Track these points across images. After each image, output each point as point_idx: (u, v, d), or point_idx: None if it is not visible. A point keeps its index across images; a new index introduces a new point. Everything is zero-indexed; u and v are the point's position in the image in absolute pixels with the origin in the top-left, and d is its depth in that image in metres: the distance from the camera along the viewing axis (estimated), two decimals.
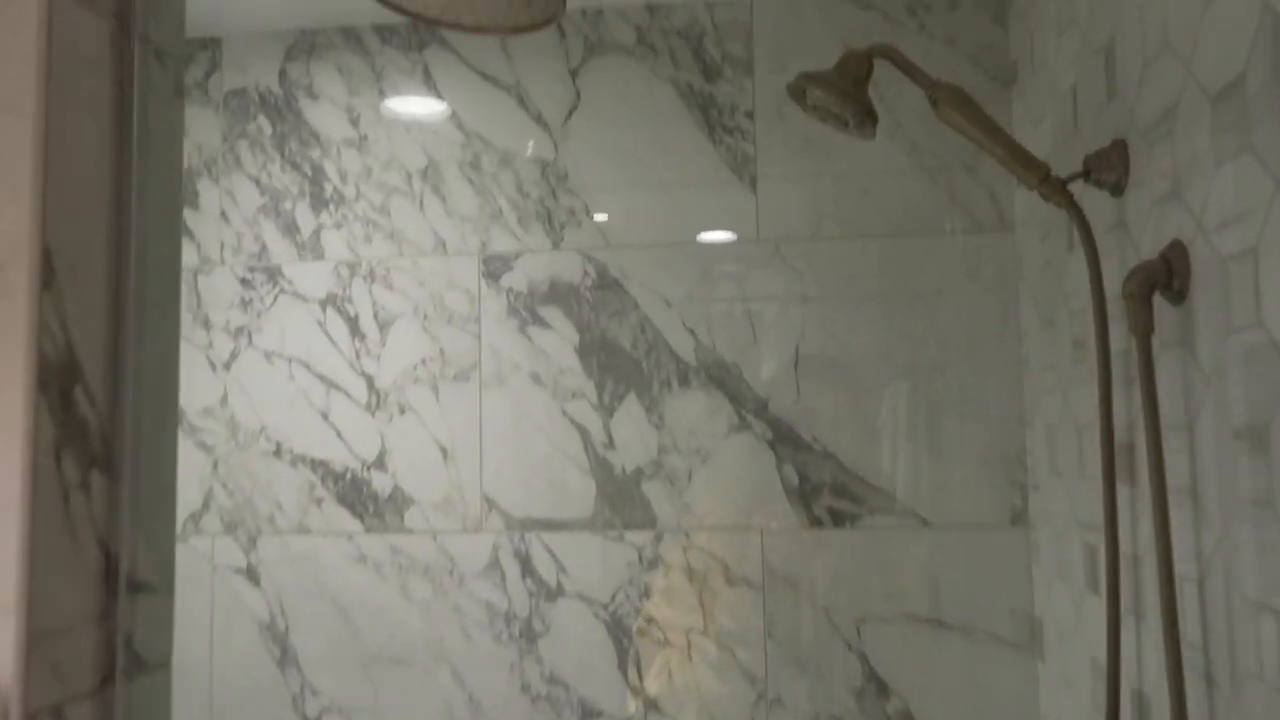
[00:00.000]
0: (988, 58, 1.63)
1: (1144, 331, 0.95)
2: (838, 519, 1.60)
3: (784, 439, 1.62)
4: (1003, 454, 1.57)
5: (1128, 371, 1.07)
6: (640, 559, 1.63)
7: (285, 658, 1.67)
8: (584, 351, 1.67)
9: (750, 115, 1.67)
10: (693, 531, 1.62)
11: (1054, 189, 1.14)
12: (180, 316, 0.80)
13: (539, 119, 1.71)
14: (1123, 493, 1.09)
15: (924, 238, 1.62)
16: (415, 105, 1.73)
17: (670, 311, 1.66)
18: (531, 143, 1.69)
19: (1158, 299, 0.95)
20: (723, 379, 1.64)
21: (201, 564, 1.70)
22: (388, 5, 1.35)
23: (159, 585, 0.75)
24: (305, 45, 1.77)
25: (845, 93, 1.16)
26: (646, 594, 1.61)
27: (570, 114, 1.71)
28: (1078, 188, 1.15)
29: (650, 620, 1.61)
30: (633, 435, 1.65)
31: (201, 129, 1.78)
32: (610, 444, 1.65)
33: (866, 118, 1.18)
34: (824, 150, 1.65)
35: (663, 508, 1.63)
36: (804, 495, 1.60)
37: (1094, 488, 1.21)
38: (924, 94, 1.18)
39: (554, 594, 1.63)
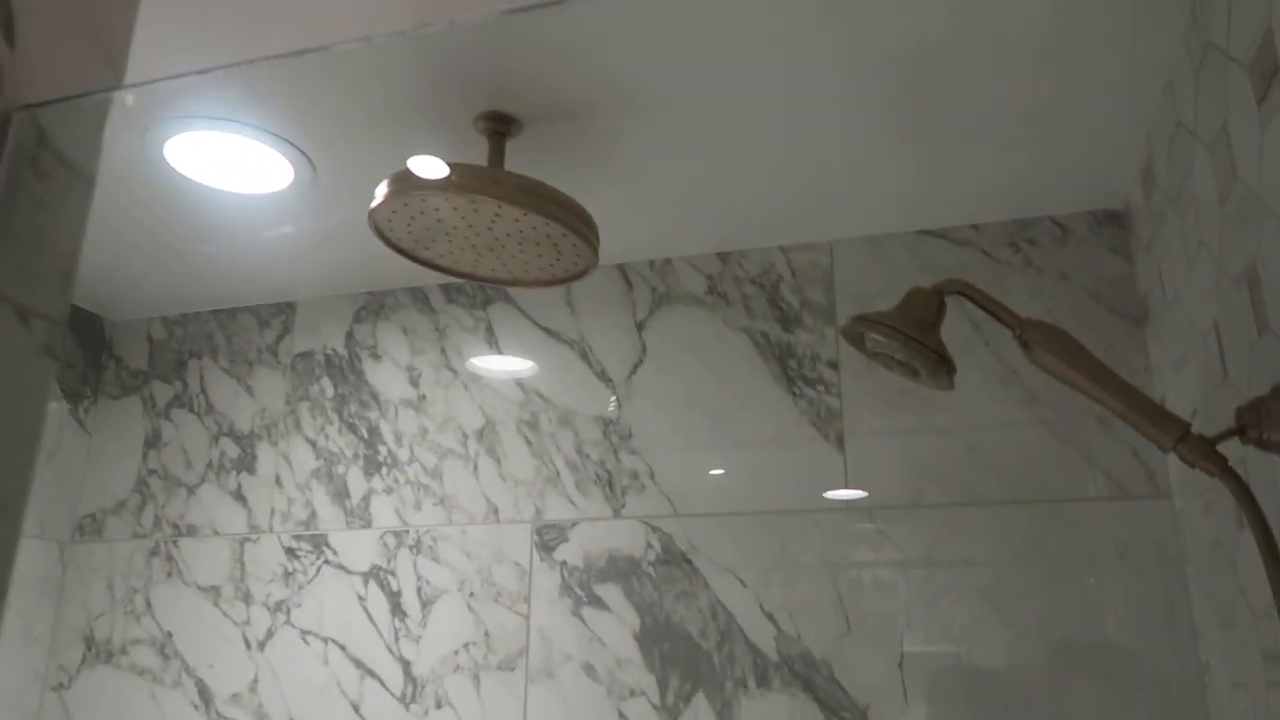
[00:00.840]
0: (1111, 293, 1.40)
1: None
2: None
3: None
4: None
5: None
6: None
7: None
8: (645, 639, 1.42)
9: (834, 365, 1.48)
10: None
11: (1198, 451, 0.87)
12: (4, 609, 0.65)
13: (602, 374, 1.58)
14: None
15: (1052, 505, 1.33)
16: (475, 363, 1.64)
17: (746, 593, 1.41)
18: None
19: None
20: (810, 678, 1.35)
21: None
22: (426, 264, 1.29)
23: None
24: (374, 306, 1.74)
25: (910, 338, 0.95)
26: None
27: (635, 368, 1.57)
28: (1233, 447, 0.88)
29: None
30: None
31: (268, 392, 1.74)
32: None
33: (939, 366, 0.96)
34: (921, 402, 1.42)
35: None
36: None
37: None
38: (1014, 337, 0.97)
39: None
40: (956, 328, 1.45)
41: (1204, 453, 0.87)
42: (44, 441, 1.72)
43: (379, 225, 1.16)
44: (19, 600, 1.65)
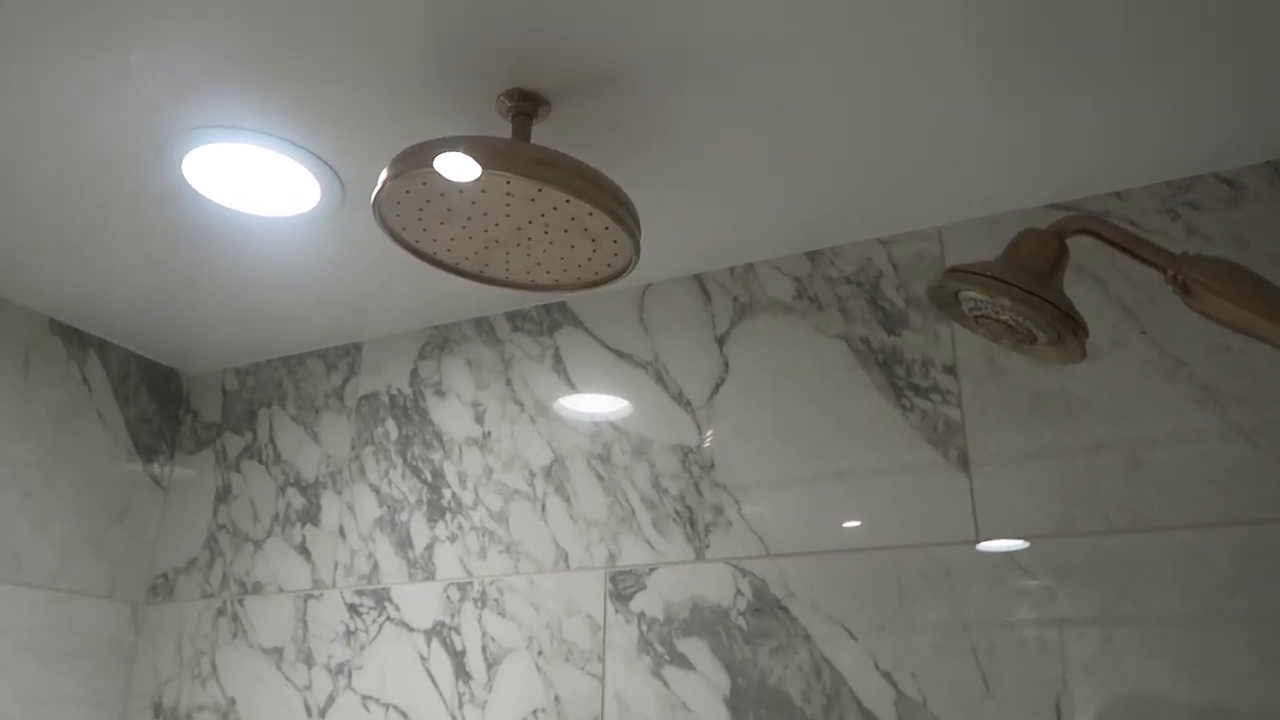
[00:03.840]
0: None
1: None
2: None
3: None
4: None
5: None
6: None
7: None
8: (737, 703, 1.19)
9: (951, 370, 1.23)
10: None
11: None
12: None
13: (679, 397, 1.38)
14: None
15: (1248, 528, 1.03)
16: (542, 392, 1.48)
17: (856, 647, 1.16)
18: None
19: None
20: None
21: None
22: (447, 268, 1.14)
23: None
24: (438, 341, 1.61)
25: (1023, 291, 0.72)
26: None
27: (717, 388, 1.36)
28: None
29: None
30: None
31: (333, 438, 1.63)
32: None
33: (1064, 326, 0.72)
34: (1064, 408, 1.16)
35: None
36: None
37: None
38: (1170, 287, 0.72)
39: None
40: (1101, 312, 1.18)
41: None
42: (118, 499, 1.67)
43: (385, 218, 1.02)
44: (88, 663, 1.57)
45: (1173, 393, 1.11)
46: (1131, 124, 1.10)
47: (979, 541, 1.14)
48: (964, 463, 1.18)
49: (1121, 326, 1.17)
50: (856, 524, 1.21)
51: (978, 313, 0.76)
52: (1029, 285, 0.71)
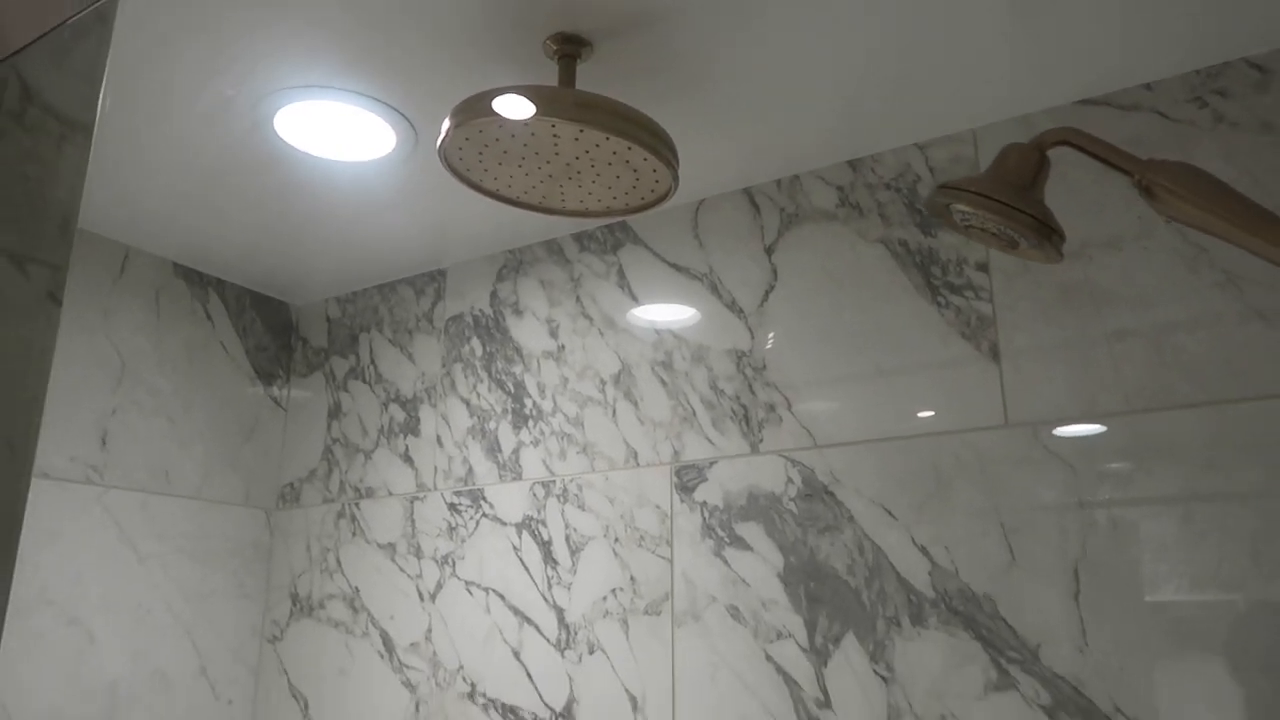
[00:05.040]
0: None
1: None
2: None
3: (1068, 705, 1.12)
4: None
5: None
6: None
7: None
8: (789, 579, 1.33)
9: (984, 268, 1.30)
10: None
11: None
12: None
13: (732, 305, 1.49)
14: None
15: (1259, 403, 1.10)
16: (609, 307, 1.61)
17: (896, 525, 1.28)
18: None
19: None
20: (972, 616, 1.20)
21: None
22: (510, 202, 1.27)
23: None
24: (514, 264, 1.75)
25: (1002, 204, 0.81)
26: None
27: (767, 295, 1.47)
28: None
29: None
30: (853, 690, 1.25)
31: (426, 358, 1.81)
32: (826, 702, 1.26)
33: (1041, 233, 0.81)
34: (1090, 298, 1.23)
35: None
36: None
37: None
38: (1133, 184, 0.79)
39: None
40: (1127, 204, 1.23)
41: None
42: (245, 419, 1.89)
43: (450, 162, 1.15)
44: (233, 562, 1.82)
45: (1194, 279, 1.17)
46: (1159, 10, 1.13)
47: (1008, 426, 1.24)
48: (995, 354, 1.27)
49: (1146, 217, 1.22)
50: (896, 415, 1.32)
51: (967, 223, 0.85)
52: (1009, 199, 0.80)
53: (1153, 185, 0.76)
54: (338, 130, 1.35)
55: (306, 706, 1.76)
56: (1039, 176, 0.82)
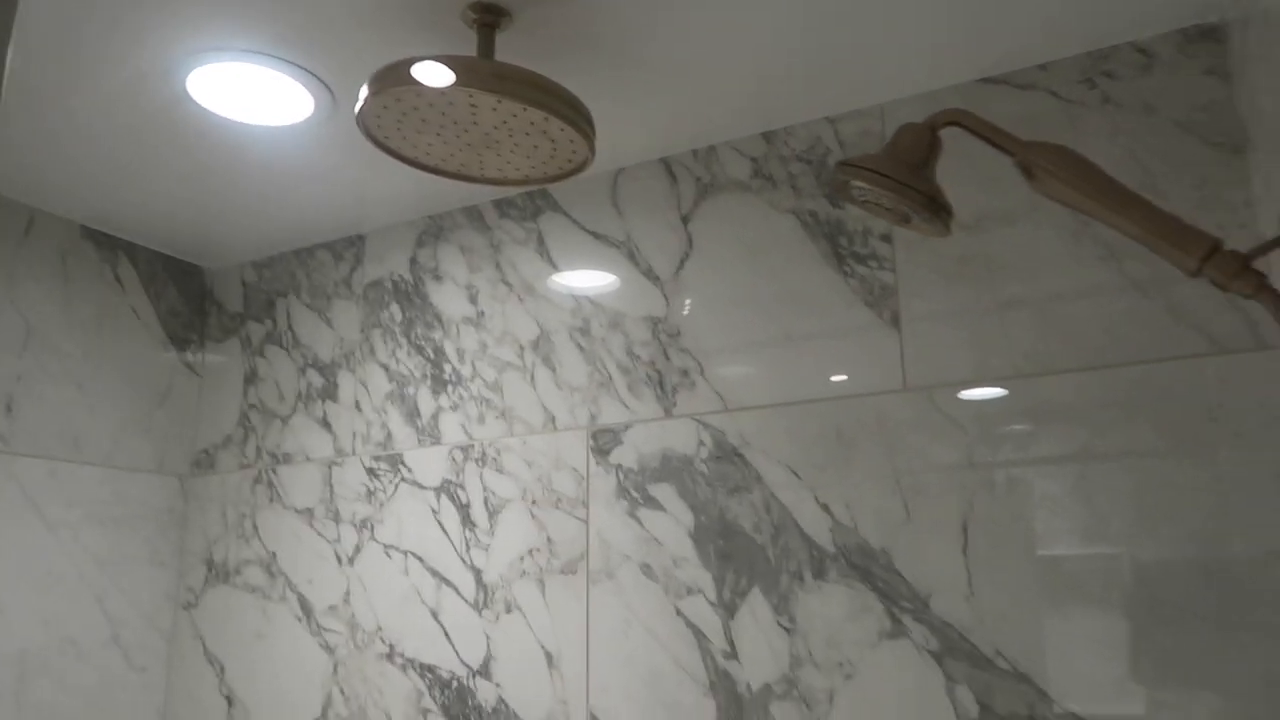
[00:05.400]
0: (1206, 121, 1.21)
1: None
2: None
3: (955, 651, 1.20)
4: None
5: None
6: None
7: None
8: (700, 537, 1.39)
9: (887, 238, 1.37)
10: None
11: (1229, 270, 0.74)
12: None
13: (649, 273, 1.53)
14: None
15: (1137, 368, 1.18)
16: (529, 273, 1.63)
17: (799, 485, 1.34)
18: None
19: None
20: (868, 569, 1.27)
21: None
22: (428, 169, 1.28)
23: None
24: (434, 230, 1.75)
25: (896, 182, 0.85)
26: None
27: (681, 264, 1.51)
28: None
29: None
30: (758, 641, 1.31)
31: (344, 323, 1.80)
32: (732, 653, 1.33)
33: (930, 208, 0.86)
34: (985, 269, 1.30)
35: None
36: None
37: None
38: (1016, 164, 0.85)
39: None
40: (1021, 180, 1.30)
41: (1235, 270, 0.74)
42: (158, 385, 1.86)
43: (369, 129, 1.16)
44: (147, 528, 1.80)
45: (1078, 252, 1.25)
46: None
47: (906, 390, 1.31)
48: (895, 322, 1.34)
49: (1036, 196, 1.29)
50: (803, 380, 1.38)
51: (865, 199, 0.90)
52: (902, 176, 0.85)
53: (1032, 166, 0.82)
54: (254, 95, 1.34)
55: (223, 670, 1.77)
56: (931, 156, 0.87)
